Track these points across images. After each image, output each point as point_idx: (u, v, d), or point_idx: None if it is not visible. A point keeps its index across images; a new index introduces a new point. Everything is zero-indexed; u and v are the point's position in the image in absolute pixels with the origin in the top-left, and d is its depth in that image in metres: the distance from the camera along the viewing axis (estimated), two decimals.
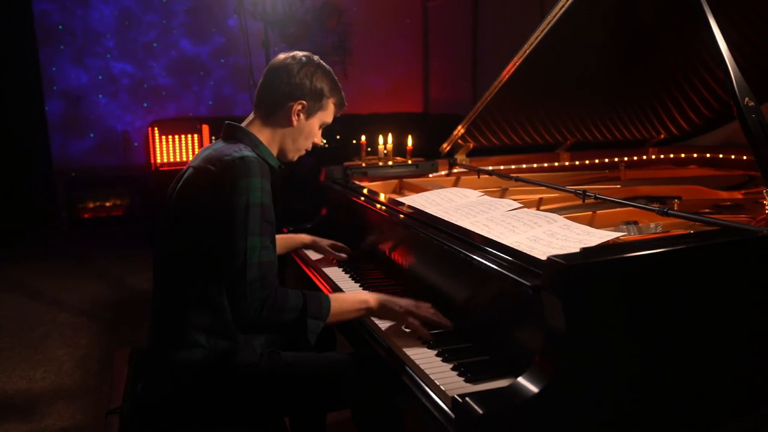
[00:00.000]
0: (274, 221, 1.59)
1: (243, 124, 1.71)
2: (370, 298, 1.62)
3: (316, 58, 1.74)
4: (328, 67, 1.76)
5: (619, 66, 2.55)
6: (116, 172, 6.30)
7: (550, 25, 2.12)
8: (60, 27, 6.14)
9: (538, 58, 2.27)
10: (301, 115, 1.70)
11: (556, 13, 2.07)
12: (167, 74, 6.50)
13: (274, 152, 1.73)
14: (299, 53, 1.73)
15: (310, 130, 1.74)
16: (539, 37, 2.18)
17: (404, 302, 1.60)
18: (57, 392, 2.96)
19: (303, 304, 1.51)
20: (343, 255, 2.22)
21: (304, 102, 1.69)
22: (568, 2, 2.03)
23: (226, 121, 1.73)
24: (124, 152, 6.31)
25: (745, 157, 2.81)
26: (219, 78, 6.67)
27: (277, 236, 2.14)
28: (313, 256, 2.32)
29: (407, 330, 1.58)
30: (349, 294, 1.73)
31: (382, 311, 1.60)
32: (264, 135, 1.70)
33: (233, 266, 1.46)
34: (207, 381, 1.56)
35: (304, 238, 2.30)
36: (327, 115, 1.77)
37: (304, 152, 1.80)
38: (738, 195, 2.33)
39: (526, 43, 2.23)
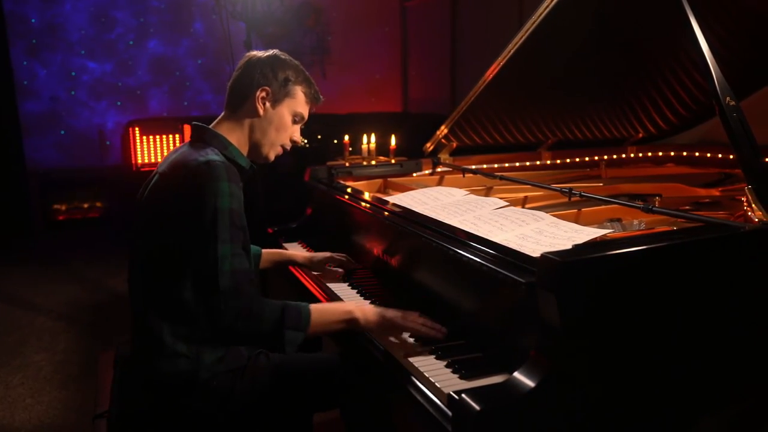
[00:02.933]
0: (245, 227, 1.55)
1: (212, 125, 1.67)
2: (355, 309, 1.54)
3: (282, 53, 1.72)
4: (295, 61, 1.73)
5: (599, 66, 2.59)
6: (92, 173, 6.19)
7: (534, 26, 2.15)
8: (33, 20, 6.01)
9: (522, 59, 2.30)
10: (267, 103, 1.65)
11: (540, 14, 2.10)
12: (143, 73, 6.41)
13: (245, 152, 1.68)
14: (268, 51, 1.71)
15: (280, 120, 1.68)
16: (523, 38, 2.21)
17: (391, 313, 1.53)
18: (36, 398, 2.90)
19: (280, 315, 1.45)
20: (341, 270, 2.07)
21: (268, 88, 1.64)
22: (552, 4, 2.06)
23: (193, 123, 1.68)
24: (100, 152, 6.20)
25: (720, 156, 2.87)
26: (195, 78, 6.60)
27: (264, 250, 2.11)
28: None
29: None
30: (333, 304, 1.67)
31: (368, 323, 1.54)
32: (234, 135, 1.66)
33: (205, 275, 1.42)
34: (193, 387, 1.54)
35: (296, 256, 2.14)
36: (296, 103, 1.70)
37: (280, 149, 1.73)
38: (715, 192, 2.38)
39: (510, 43, 2.26)
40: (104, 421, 1.66)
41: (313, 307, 1.52)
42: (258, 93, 1.64)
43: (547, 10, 2.08)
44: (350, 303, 1.64)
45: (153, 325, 1.52)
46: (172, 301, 1.51)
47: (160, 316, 1.52)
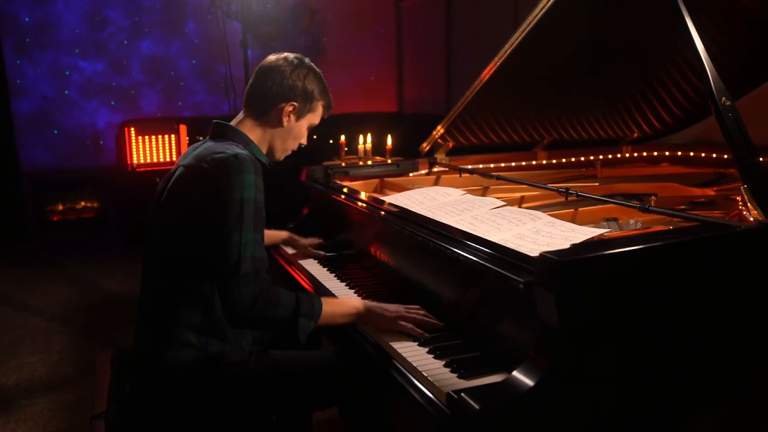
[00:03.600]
0: (265, 219, 1.60)
1: (233, 123, 1.72)
2: (360, 304, 1.62)
3: (307, 60, 1.77)
4: (318, 69, 1.78)
5: (595, 67, 2.60)
6: (85, 173, 6.16)
7: (530, 26, 2.15)
8: (26, 19, 5.97)
9: (518, 59, 2.30)
10: (292, 117, 1.72)
11: (537, 14, 2.11)
12: (136, 73, 6.39)
13: (264, 151, 1.74)
14: (291, 55, 1.75)
15: (299, 131, 1.76)
16: (519, 38, 2.21)
17: (393, 308, 1.60)
18: (31, 399, 2.89)
19: (296, 302, 1.52)
20: (321, 252, 2.24)
21: (296, 103, 1.71)
22: (548, 5, 2.07)
23: (214, 120, 1.74)
24: (94, 153, 6.17)
25: (714, 155, 2.89)
26: (189, 78, 6.59)
27: None
28: (290, 250, 2.34)
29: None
30: (341, 299, 1.75)
31: (373, 318, 1.59)
32: (254, 134, 1.72)
33: (228, 260, 1.46)
34: (197, 380, 1.55)
35: (281, 234, 2.34)
36: (315, 116, 1.79)
37: (290, 152, 1.82)
38: (710, 192, 2.40)
39: (506, 43, 2.27)
40: (102, 421, 1.65)
41: (324, 299, 1.60)
42: (286, 107, 1.70)
43: (544, 10, 2.09)
44: (355, 299, 1.71)
45: (166, 313, 1.55)
46: (189, 290, 1.55)
47: (175, 305, 1.54)
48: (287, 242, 2.34)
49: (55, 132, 6.20)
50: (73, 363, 3.26)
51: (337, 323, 1.62)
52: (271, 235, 2.33)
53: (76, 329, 3.73)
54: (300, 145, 1.82)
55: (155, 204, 1.66)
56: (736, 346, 1.37)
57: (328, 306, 1.58)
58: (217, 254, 1.48)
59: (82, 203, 6.20)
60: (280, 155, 1.79)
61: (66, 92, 6.18)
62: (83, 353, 3.36)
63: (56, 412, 2.77)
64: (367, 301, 1.65)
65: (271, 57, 1.74)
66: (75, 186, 6.15)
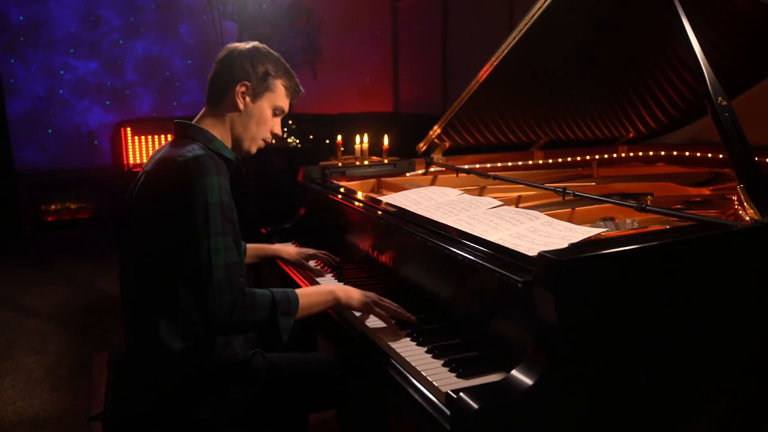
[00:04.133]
0: (235, 219, 1.56)
1: (194, 120, 1.66)
2: (336, 288, 1.63)
3: (262, 45, 1.70)
4: (275, 53, 1.71)
5: (591, 67, 2.61)
6: (81, 173, 6.14)
7: (527, 27, 2.16)
8: (20, 18, 5.95)
9: (515, 59, 2.31)
10: (247, 98, 1.64)
11: (534, 14, 2.11)
12: (131, 73, 6.37)
13: (229, 145, 1.67)
14: (244, 43, 1.69)
15: (261, 114, 1.67)
16: (516, 38, 2.22)
17: (370, 294, 1.63)
18: (27, 400, 2.88)
19: (271, 301, 1.48)
20: (311, 264, 2.13)
21: (248, 83, 1.63)
22: (544, 5, 2.08)
23: (176, 120, 1.67)
24: (89, 153, 6.15)
25: (710, 155, 2.91)
26: (185, 78, 6.57)
27: (249, 245, 2.10)
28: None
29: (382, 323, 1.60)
30: (315, 287, 1.70)
31: (349, 300, 1.62)
32: (216, 129, 1.64)
33: (198, 269, 1.43)
34: (188, 386, 1.54)
35: (281, 251, 2.14)
36: (277, 97, 1.69)
37: (262, 143, 1.72)
38: (706, 191, 2.41)
39: (503, 43, 2.27)
40: (99, 423, 1.65)
41: (298, 291, 1.57)
42: (238, 88, 1.62)
43: (540, 10, 2.09)
44: (329, 284, 1.68)
45: (148, 323, 1.52)
46: (167, 299, 1.51)
47: (155, 314, 1.51)
48: (290, 263, 2.15)
49: (50, 131, 6.18)
50: (70, 364, 3.24)
51: (315, 312, 1.60)
52: (266, 249, 2.16)
53: (72, 330, 3.72)
54: (274, 134, 1.72)
55: (125, 210, 1.61)
56: (732, 343, 1.38)
57: (303, 298, 1.55)
58: (188, 264, 1.45)
59: (78, 203, 6.18)
60: (249, 145, 1.69)
61: (60, 91, 6.16)
62: (79, 354, 3.35)
63: (53, 414, 2.75)
64: (343, 285, 1.66)
65: (227, 47, 1.69)
66: (70, 186, 6.12)
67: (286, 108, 1.74)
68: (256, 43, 1.70)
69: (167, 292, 1.51)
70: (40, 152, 6.16)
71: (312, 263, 2.16)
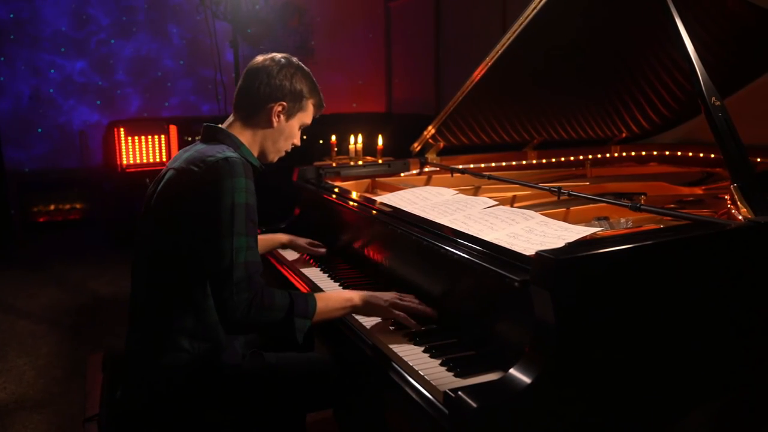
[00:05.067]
0: (257, 221, 1.58)
1: (223, 126, 1.71)
2: (355, 295, 1.63)
3: (295, 59, 1.75)
4: (307, 68, 1.77)
5: (584, 67, 2.62)
6: (72, 174, 6.09)
7: (521, 28, 2.17)
8: (11, 15, 5.90)
9: (508, 60, 2.32)
10: (282, 117, 1.70)
11: (528, 15, 2.12)
12: (123, 73, 6.34)
13: (255, 154, 1.73)
14: (278, 55, 1.73)
15: (290, 131, 1.75)
16: (510, 39, 2.23)
17: (388, 296, 1.62)
18: (20, 403, 2.86)
19: (290, 303, 1.51)
20: (322, 250, 2.23)
21: (285, 103, 1.69)
22: (539, 6, 2.09)
23: (205, 123, 1.72)
24: (81, 153, 6.11)
25: (701, 155, 2.93)
26: (177, 78, 6.54)
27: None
28: (289, 256, 2.31)
29: (392, 328, 1.60)
30: (334, 292, 1.72)
31: (367, 307, 1.62)
32: (245, 137, 1.70)
33: (220, 267, 1.45)
34: (190, 385, 1.54)
35: (281, 237, 2.29)
36: (306, 116, 1.77)
37: (283, 153, 1.80)
38: (698, 191, 2.43)
39: (497, 44, 2.28)
40: (95, 424, 1.64)
41: (317, 295, 1.59)
42: (275, 107, 1.68)
43: (534, 11, 2.10)
44: (348, 291, 1.69)
45: (158, 318, 1.54)
46: (181, 296, 1.53)
47: (167, 310, 1.53)
48: (288, 245, 2.29)
49: (40, 131, 6.13)
50: (62, 365, 3.22)
51: (332, 317, 1.62)
52: (270, 238, 2.29)
53: (64, 331, 3.69)
54: (293, 145, 1.80)
55: (145, 207, 1.64)
56: (727, 341, 1.39)
57: (321, 302, 1.57)
58: (209, 260, 1.47)
59: (69, 204, 6.13)
60: (273, 157, 1.77)
61: (50, 91, 6.11)
62: (72, 356, 3.33)
63: (46, 416, 2.74)
64: (360, 291, 1.65)
65: (259, 58, 1.73)
66: (60, 187, 6.07)
67: (310, 122, 1.81)
68: (289, 57, 1.74)
69: (181, 290, 1.53)
70: (30, 152, 6.11)
71: (296, 255, 2.28)
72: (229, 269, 1.45)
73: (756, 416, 1.55)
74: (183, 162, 1.59)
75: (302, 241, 2.27)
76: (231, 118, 1.73)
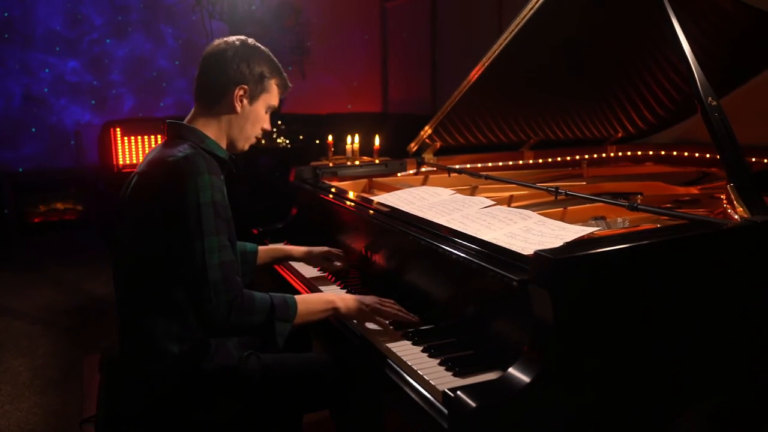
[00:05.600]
0: (230, 218, 1.55)
1: (186, 120, 1.64)
2: (336, 298, 1.60)
3: (250, 40, 1.67)
4: (265, 48, 1.69)
5: (580, 67, 2.63)
6: (67, 174, 6.06)
7: (518, 28, 2.17)
8: (5, 14, 5.87)
9: (505, 60, 2.32)
10: (244, 101, 1.63)
11: (524, 16, 2.13)
12: (119, 73, 6.32)
13: (223, 145, 1.66)
14: (232, 38, 1.66)
15: (256, 115, 1.67)
16: (507, 39, 2.23)
17: (369, 300, 1.60)
18: (16, 404, 2.84)
19: (270, 305, 1.47)
20: (339, 264, 2.07)
21: (246, 86, 1.62)
22: (536, 6, 2.09)
23: (167, 120, 1.65)
24: (76, 153, 6.09)
25: (697, 155, 2.94)
26: (173, 78, 6.53)
27: (261, 247, 2.08)
28: (306, 272, 2.13)
29: (391, 327, 1.60)
30: (315, 295, 1.71)
31: (349, 311, 1.59)
32: (210, 129, 1.62)
33: (193, 270, 1.42)
34: (183, 388, 1.53)
35: (294, 250, 2.11)
36: (271, 97, 1.69)
37: (254, 140, 1.72)
38: (694, 190, 2.44)
39: (494, 44, 2.29)
40: (92, 425, 1.64)
41: (298, 297, 1.56)
42: (236, 91, 1.61)
43: (531, 11, 2.11)
44: (330, 293, 1.66)
45: (144, 324, 1.51)
46: (162, 301, 1.50)
47: (151, 316, 1.51)
48: (301, 259, 2.10)
49: (33, 130, 6.10)
50: (58, 366, 3.21)
51: (313, 320, 1.58)
52: (278, 250, 2.13)
53: (60, 332, 3.68)
54: (263, 130, 1.73)
55: (118, 212, 1.61)
56: (723, 340, 1.40)
57: (302, 305, 1.54)
58: (183, 264, 1.44)
59: (64, 205, 6.10)
60: (243, 144, 1.69)
61: (45, 90, 6.09)
62: (68, 356, 3.31)
63: (42, 417, 2.72)
64: (343, 294, 1.62)
65: (214, 43, 1.66)
66: (56, 187, 6.03)
67: (277, 104, 1.74)
68: (245, 39, 1.66)
69: (162, 294, 1.50)
70: (23, 152, 6.08)
71: (316, 271, 2.11)
72: (203, 272, 1.41)
73: (750, 416, 1.56)
74: (146, 165, 1.56)
75: (318, 250, 2.07)
76: (193, 111, 1.65)
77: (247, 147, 1.71)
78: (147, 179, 1.52)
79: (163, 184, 1.47)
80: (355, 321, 1.64)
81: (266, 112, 1.71)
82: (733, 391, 1.47)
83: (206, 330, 1.49)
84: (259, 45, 1.69)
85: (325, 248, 2.08)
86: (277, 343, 1.50)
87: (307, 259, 2.09)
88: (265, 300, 1.48)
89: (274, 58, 1.70)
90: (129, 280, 1.56)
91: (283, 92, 1.73)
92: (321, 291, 1.92)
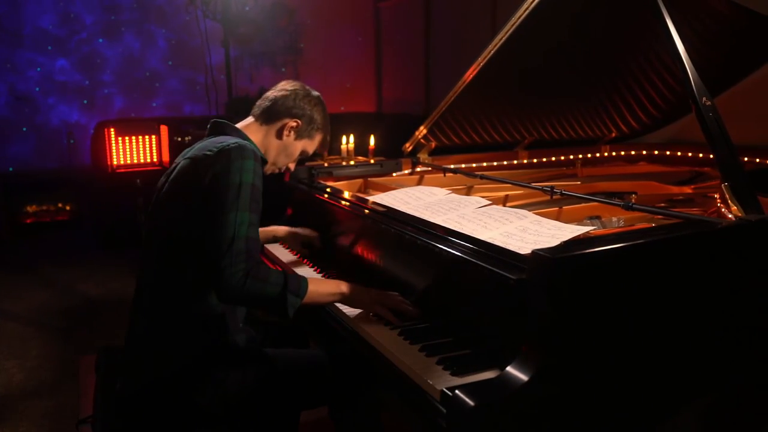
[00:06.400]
0: (261, 206, 1.64)
1: (239, 125, 1.82)
2: (344, 285, 1.69)
3: (321, 97, 1.91)
4: (327, 112, 1.92)
5: (575, 68, 2.64)
6: (59, 174, 6.03)
7: (513, 28, 2.18)
8: None
9: (500, 60, 2.33)
10: (292, 133, 1.83)
11: (519, 16, 2.14)
12: (111, 73, 6.30)
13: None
14: (309, 87, 1.89)
15: (293, 150, 1.87)
16: (502, 40, 2.24)
17: (374, 291, 1.68)
18: (9, 406, 2.83)
19: (284, 279, 1.56)
20: (316, 234, 2.26)
21: (300, 122, 1.83)
22: (530, 7, 2.10)
23: (213, 119, 1.81)
24: (67, 153, 6.05)
25: (690, 154, 2.96)
26: (165, 78, 6.51)
27: None
28: (284, 257, 2.30)
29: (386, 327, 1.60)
30: (324, 279, 1.83)
31: (354, 298, 1.68)
32: (256, 137, 1.81)
33: (222, 237, 1.50)
34: (186, 382, 1.55)
35: (278, 229, 2.31)
36: (311, 144, 1.90)
37: (277, 170, 1.92)
38: (688, 190, 2.46)
39: (489, 44, 2.29)
40: (89, 426, 1.64)
41: (309, 278, 1.64)
42: (290, 122, 1.82)
43: (526, 12, 2.11)
44: (338, 280, 1.74)
45: (163, 305, 1.60)
46: (187, 279, 1.59)
47: (173, 296, 1.59)
48: (286, 239, 2.31)
49: (24, 129, 6.06)
50: (52, 367, 3.19)
51: (321, 302, 1.68)
52: (266, 231, 2.30)
53: (53, 334, 3.66)
54: (286, 168, 1.93)
55: (155, 200, 1.70)
56: (718, 338, 1.41)
57: (312, 284, 1.62)
58: (213, 231, 1.52)
59: (56, 205, 6.06)
60: (268, 168, 1.87)
61: (36, 89, 6.05)
62: (61, 357, 3.30)
63: (36, 419, 2.71)
64: (350, 283, 1.71)
65: (293, 81, 1.90)
66: (47, 187, 5.99)
67: (310, 154, 1.96)
68: (319, 95, 1.92)
69: (194, 281, 1.59)
70: (13, 152, 6.04)
71: (289, 253, 2.30)
72: (230, 240, 1.49)
73: (743, 414, 1.57)
74: (196, 150, 1.67)
75: (301, 230, 2.29)
76: (248, 120, 1.85)
77: (268, 172, 1.89)
78: (197, 161, 1.62)
79: (213, 164, 1.58)
80: (357, 310, 1.69)
81: (299, 155, 1.91)
82: (726, 390, 1.48)
83: (223, 294, 1.55)
84: (324, 104, 1.92)
85: (308, 230, 2.27)
86: (287, 315, 1.56)
87: (289, 239, 2.29)
88: (279, 274, 1.57)
89: (329, 119, 1.93)
90: (160, 266, 1.63)
91: (321, 148, 1.96)
92: (289, 266, 2.10)
